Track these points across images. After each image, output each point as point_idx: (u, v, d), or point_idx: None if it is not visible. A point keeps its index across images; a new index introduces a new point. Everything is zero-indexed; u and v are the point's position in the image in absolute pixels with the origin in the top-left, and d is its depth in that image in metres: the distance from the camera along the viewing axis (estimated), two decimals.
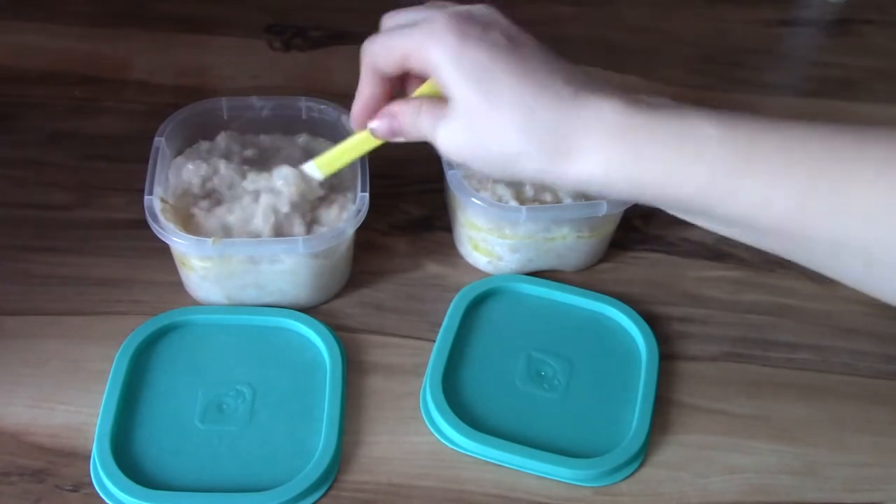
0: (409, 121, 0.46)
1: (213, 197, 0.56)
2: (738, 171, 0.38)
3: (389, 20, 0.46)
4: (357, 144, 0.51)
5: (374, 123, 0.47)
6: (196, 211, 0.55)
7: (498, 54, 0.41)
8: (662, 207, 0.42)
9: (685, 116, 0.39)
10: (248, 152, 0.60)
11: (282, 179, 0.54)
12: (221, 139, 0.60)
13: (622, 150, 0.40)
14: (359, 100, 0.47)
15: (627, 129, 0.40)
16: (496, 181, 0.57)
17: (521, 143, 0.41)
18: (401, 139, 0.47)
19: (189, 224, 0.54)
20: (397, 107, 0.46)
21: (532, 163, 0.42)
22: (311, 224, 0.55)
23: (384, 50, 0.45)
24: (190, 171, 0.57)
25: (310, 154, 0.58)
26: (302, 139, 0.61)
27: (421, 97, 0.45)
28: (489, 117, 0.41)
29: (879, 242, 0.36)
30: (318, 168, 0.54)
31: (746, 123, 0.38)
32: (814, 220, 0.37)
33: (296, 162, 0.56)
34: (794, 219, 0.37)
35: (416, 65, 0.44)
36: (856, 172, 0.36)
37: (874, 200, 0.35)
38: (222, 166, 0.57)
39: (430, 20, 0.42)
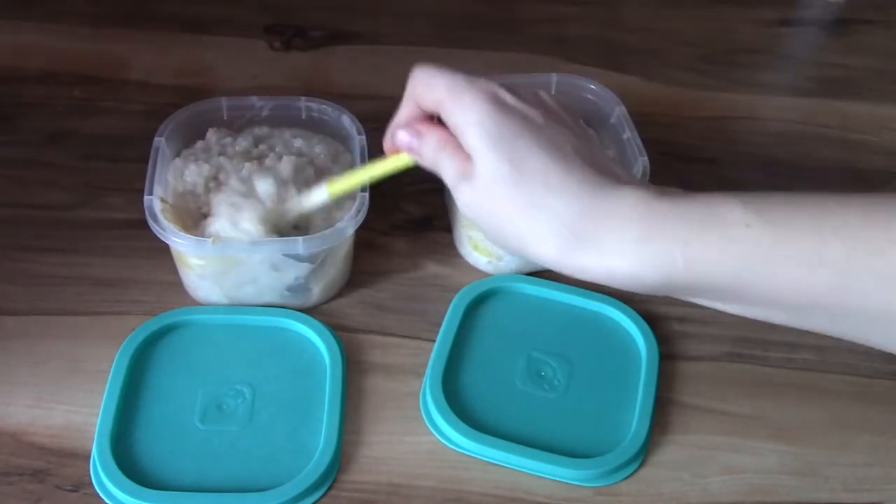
0: (429, 152, 0.44)
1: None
2: (771, 254, 0.36)
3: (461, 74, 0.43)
4: (373, 168, 0.50)
5: (399, 133, 0.46)
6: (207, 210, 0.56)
7: (528, 127, 0.40)
8: (695, 297, 0.40)
9: (710, 202, 0.38)
10: (244, 142, 0.60)
11: (264, 190, 0.54)
12: (212, 135, 0.60)
13: (647, 239, 0.38)
14: (395, 118, 0.47)
15: (652, 217, 0.38)
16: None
17: (539, 225, 0.40)
18: (417, 161, 0.46)
19: (191, 222, 0.55)
20: (426, 128, 0.44)
21: (547, 248, 0.40)
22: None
23: (424, 87, 0.44)
24: (193, 173, 0.57)
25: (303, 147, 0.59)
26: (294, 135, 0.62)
27: (449, 134, 0.44)
28: (512, 192, 0.40)
29: None
30: (327, 190, 0.53)
31: (771, 201, 0.37)
32: (857, 293, 0.35)
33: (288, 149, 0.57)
34: (836, 293, 0.36)
35: (446, 115, 0.42)
36: (894, 238, 0.34)
37: None
38: (224, 161, 0.57)
39: (478, 81, 0.42)
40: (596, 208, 0.39)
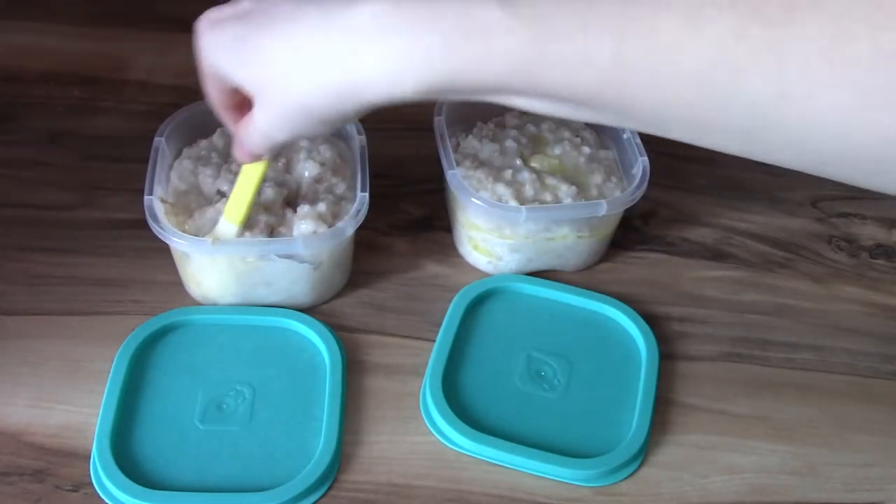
0: (244, 133, 0.45)
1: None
2: (538, 58, 0.34)
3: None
4: (246, 176, 0.51)
5: (236, 155, 0.48)
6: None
7: (248, 21, 0.41)
8: (468, 97, 0.38)
9: (465, 5, 0.35)
10: None
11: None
12: (217, 137, 0.60)
13: (402, 48, 0.36)
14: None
15: (402, 27, 0.36)
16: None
17: (298, 62, 0.39)
18: (266, 153, 0.47)
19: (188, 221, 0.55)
20: (239, 129, 0.46)
21: (299, 80, 0.40)
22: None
23: (204, 81, 0.46)
24: (207, 175, 0.57)
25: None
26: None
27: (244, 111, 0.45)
28: (271, 81, 0.41)
29: (700, 102, 0.32)
30: (229, 221, 0.52)
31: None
32: (629, 90, 0.33)
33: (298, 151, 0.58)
34: (610, 91, 0.34)
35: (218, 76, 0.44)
36: (662, 22, 0.32)
37: (687, 54, 0.31)
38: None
39: (200, 22, 0.43)
40: (333, 26, 0.38)
